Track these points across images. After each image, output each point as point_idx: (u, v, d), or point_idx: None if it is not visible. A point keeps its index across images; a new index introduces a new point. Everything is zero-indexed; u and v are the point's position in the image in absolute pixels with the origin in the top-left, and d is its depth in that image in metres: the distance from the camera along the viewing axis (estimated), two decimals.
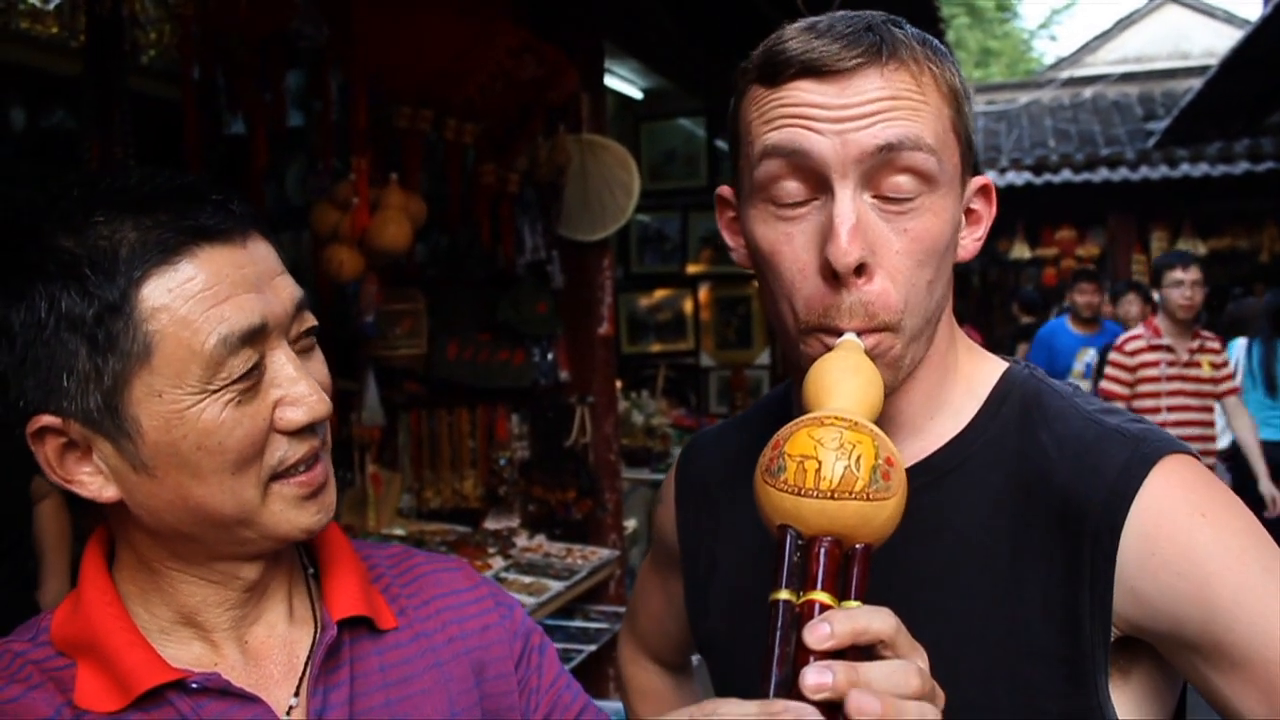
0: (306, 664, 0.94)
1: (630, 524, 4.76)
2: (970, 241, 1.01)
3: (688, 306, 7.01)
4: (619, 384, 5.02)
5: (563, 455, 4.29)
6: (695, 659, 1.36)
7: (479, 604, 1.07)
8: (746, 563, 1.14)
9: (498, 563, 3.72)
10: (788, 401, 1.15)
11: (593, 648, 3.63)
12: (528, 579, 3.64)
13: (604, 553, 4.14)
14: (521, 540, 4.07)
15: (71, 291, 0.80)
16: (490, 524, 4.17)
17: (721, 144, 7.00)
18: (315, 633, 0.97)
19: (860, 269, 0.90)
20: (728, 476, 1.19)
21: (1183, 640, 0.91)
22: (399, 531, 3.82)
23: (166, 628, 0.91)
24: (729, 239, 1.07)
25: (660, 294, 7.05)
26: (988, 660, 0.95)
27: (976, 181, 1.01)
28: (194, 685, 0.87)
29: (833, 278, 0.90)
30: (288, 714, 0.92)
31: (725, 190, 1.06)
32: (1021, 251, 12.49)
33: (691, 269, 6.96)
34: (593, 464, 4.32)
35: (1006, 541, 0.97)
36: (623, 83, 5.93)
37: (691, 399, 6.94)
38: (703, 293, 6.97)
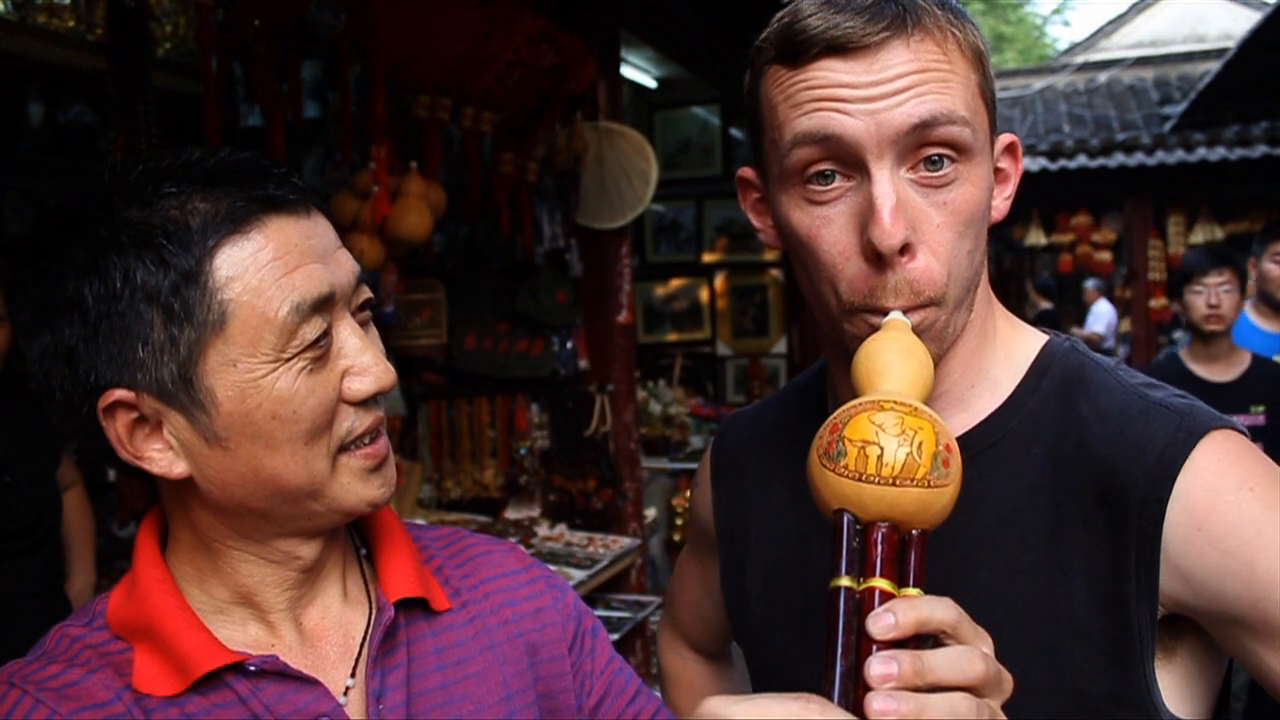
0: (362, 645, 0.95)
1: (650, 513, 4.76)
2: (1001, 201, 1.00)
3: (704, 295, 7.00)
4: (636, 374, 5.02)
5: (583, 444, 4.29)
6: (736, 647, 1.35)
7: (532, 586, 1.07)
8: (781, 545, 1.13)
9: (525, 552, 3.72)
10: (823, 382, 1.14)
11: (615, 636, 3.63)
12: (550, 568, 3.64)
13: (625, 541, 4.14)
14: (542, 530, 4.07)
15: (147, 261, 0.80)
16: (511, 514, 4.18)
17: (736, 133, 6.98)
18: (370, 614, 0.97)
19: (904, 248, 0.89)
20: (763, 457, 1.19)
21: (1231, 617, 0.90)
22: (420, 522, 3.82)
23: (223, 608, 0.91)
24: (755, 220, 1.05)
25: (676, 283, 7.04)
26: (1028, 639, 0.94)
27: (1003, 140, 1.00)
28: (252, 668, 0.87)
29: (876, 259, 0.89)
30: (345, 695, 0.92)
31: (747, 172, 1.05)
32: (1037, 238, 12.43)
33: (707, 258, 6.95)
34: (613, 453, 4.31)
35: (1047, 516, 0.96)
36: (638, 71, 5.92)
37: (709, 388, 6.94)
38: (719, 281, 6.96)
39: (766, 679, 1.14)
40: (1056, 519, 0.95)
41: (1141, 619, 0.91)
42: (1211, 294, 3.96)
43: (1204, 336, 3.99)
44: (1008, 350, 1.04)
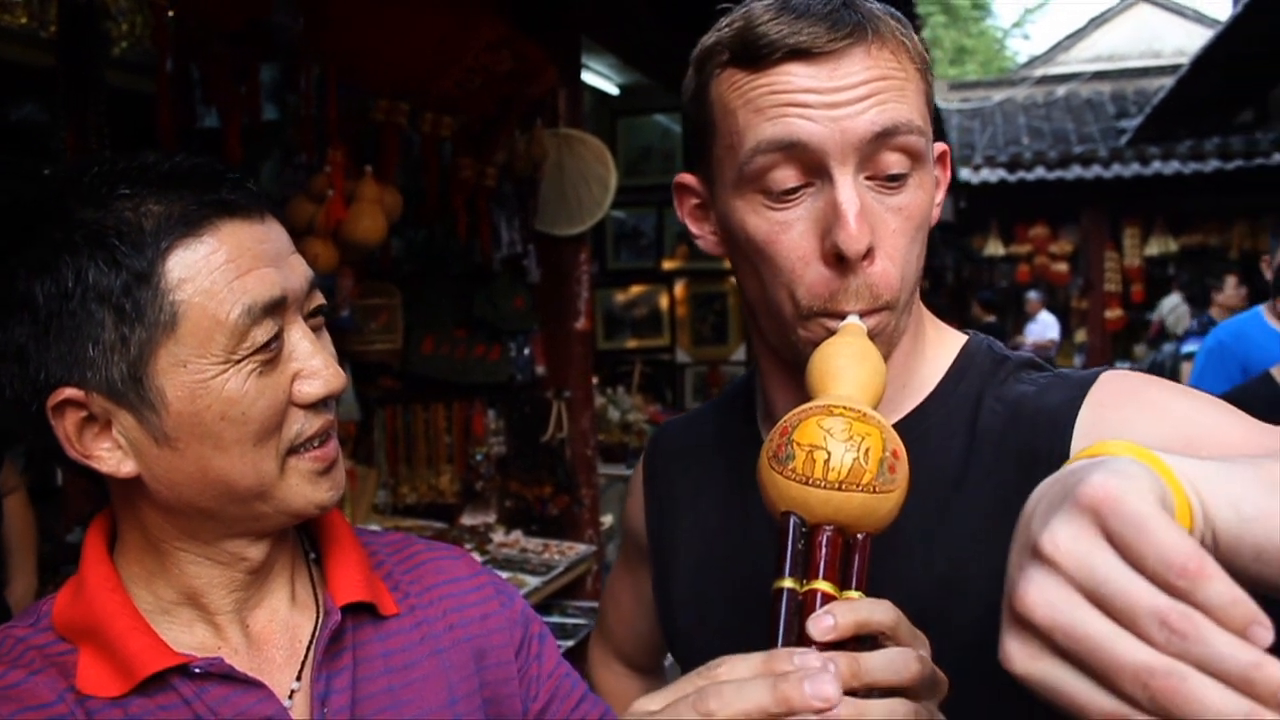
0: (309, 649, 0.95)
1: (607, 519, 4.76)
2: (934, 207, 1.02)
3: (664, 303, 7.01)
4: (594, 380, 5.01)
5: (539, 451, 4.28)
6: (669, 662, 1.35)
7: (479, 592, 1.08)
8: (708, 552, 1.14)
9: (475, 559, 3.71)
10: (752, 390, 1.15)
11: (570, 643, 3.63)
12: (505, 575, 3.63)
13: (581, 548, 4.14)
14: (498, 536, 4.06)
15: (99, 262, 0.81)
16: (467, 520, 4.16)
17: None
18: (317, 617, 0.97)
19: (866, 252, 0.90)
20: (693, 465, 1.19)
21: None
22: (374, 528, 3.80)
23: (170, 609, 0.91)
24: (693, 226, 1.05)
25: (636, 290, 7.05)
26: (956, 623, 0.95)
27: (937, 148, 1.02)
28: (197, 669, 0.87)
29: (837, 263, 0.91)
30: (290, 698, 0.92)
31: (687, 178, 1.05)
32: (995, 248, 12.58)
33: (667, 265, 6.96)
34: (569, 459, 4.31)
35: (968, 504, 0.98)
36: (599, 78, 5.92)
37: (668, 395, 6.94)
38: (679, 289, 6.97)
39: None
40: (978, 506, 0.97)
41: None
42: None
43: None
44: (935, 351, 1.07)
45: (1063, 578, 0.55)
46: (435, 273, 4.17)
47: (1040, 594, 0.55)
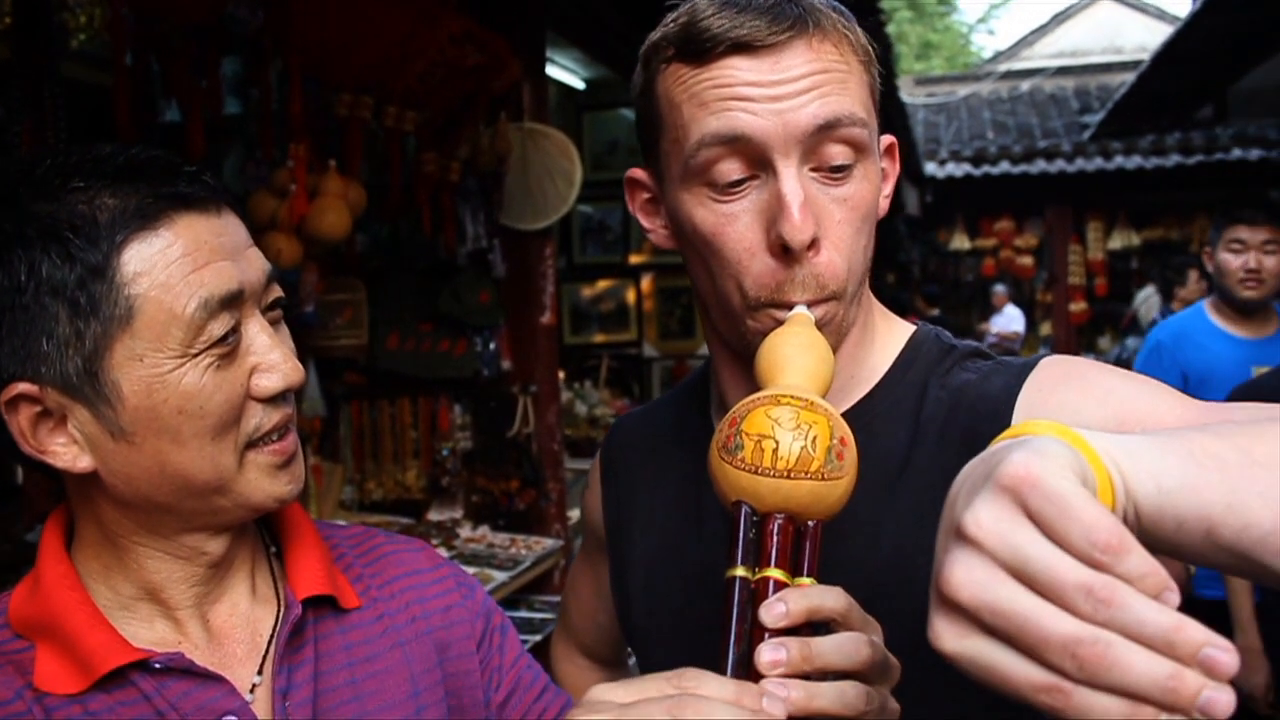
0: (270, 643, 0.95)
1: (574, 514, 4.76)
2: (882, 199, 1.03)
3: (630, 297, 7.01)
4: (562, 375, 5.01)
5: (506, 445, 4.28)
6: (631, 656, 1.36)
7: (441, 584, 1.08)
8: (663, 544, 1.15)
9: (442, 554, 3.70)
10: (707, 382, 1.16)
11: (538, 638, 3.63)
12: (472, 570, 3.63)
13: (548, 543, 4.14)
14: (465, 531, 4.05)
15: (53, 255, 0.80)
16: (434, 515, 4.15)
17: None
18: (279, 611, 0.97)
19: (810, 243, 0.91)
20: (649, 457, 1.20)
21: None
22: (340, 523, 3.78)
23: (129, 604, 0.91)
24: (644, 220, 1.07)
25: (603, 284, 7.04)
26: (903, 607, 0.96)
27: (884, 141, 1.03)
28: (157, 665, 0.87)
29: (783, 254, 0.92)
30: (251, 693, 0.92)
31: (637, 172, 1.07)
32: (961, 242, 12.68)
33: (634, 259, 6.96)
34: (536, 454, 4.31)
35: (913, 491, 0.99)
36: (565, 72, 5.91)
37: (635, 389, 6.95)
38: (645, 283, 6.97)
39: None
40: (917, 491, 0.99)
41: None
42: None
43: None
44: (884, 341, 1.08)
45: (987, 557, 0.56)
46: (400, 268, 4.15)
47: (966, 573, 0.56)
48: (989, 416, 0.96)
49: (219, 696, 0.88)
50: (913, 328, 1.11)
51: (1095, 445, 0.61)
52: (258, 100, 3.27)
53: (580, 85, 6.23)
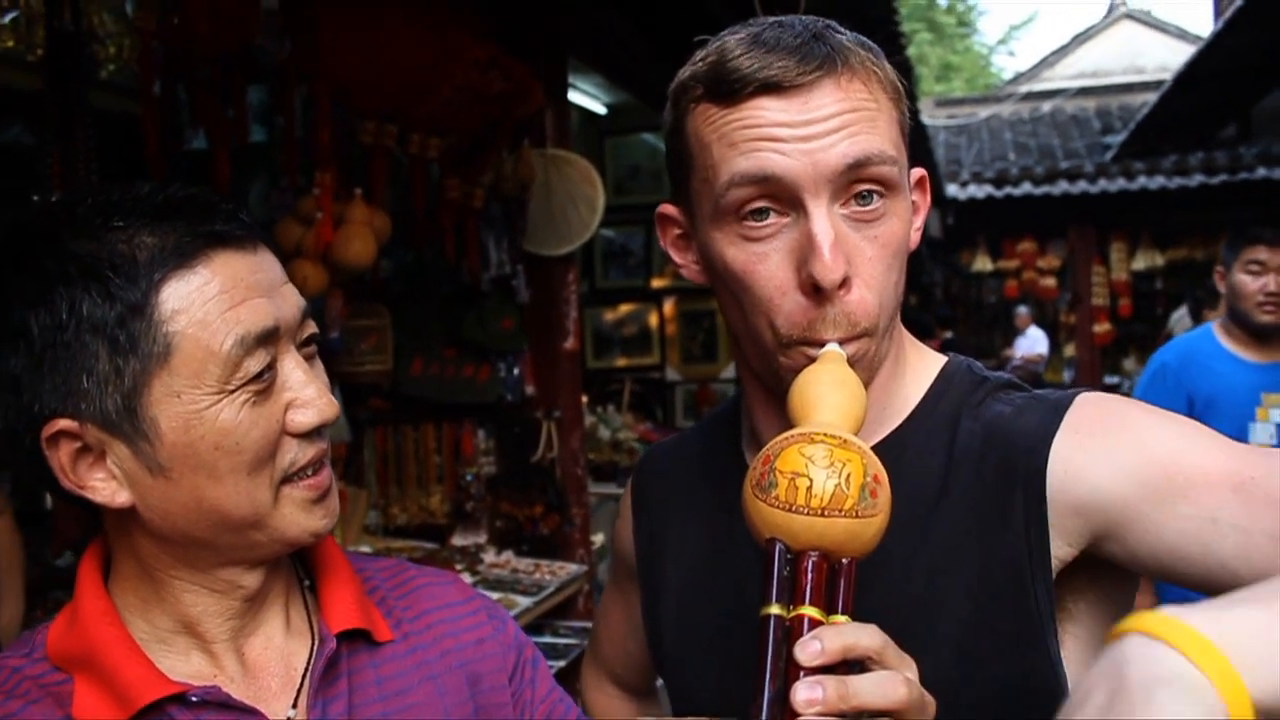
0: (304, 676, 0.95)
1: (598, 539, 4.75)
2: (913, 232, 1.03)
3: (653, 321, 7.02)
4: (584, 399, 5.01)
5: (530, 470, 4.28)
6: (661, 683, 1.35)
7: (473, 617, 1.08)
8: (694, 576, 1.15)
9: (466, 579, 3.70)
10: (738, 413, 1.16)
11: (562, 663, 3.62)
12: (496, 595, 3.62)
13: (572, 568, 4.14)
14: (489, 556, 4.05)
15: (93, 293, 0.81)
16: (457, 540, 4.15)
17: None
18: (312, 645, 0.97)
19: (841, 282, 0.91)
20: (679, 489, 1.20)
21: (1130, 492, 0.91)
22: (365, 549, 3.79)
23: (166, 638, 0.91)
24: (676, 256, 1.07)
25: (625, 309, 7.06)
26: (935, 636, 0.96)
27: (914, 173, 1.03)
28: (194, 698, 0.87)
29: (814, 292, 0.92)
30: None
31: (669, 209, 1.06)
32: (983, 264, 12.63)
33: (656, 283, 6.98)
34: (560, 479, 4.31)
35: (944, 524, 0.98)
36: (587, 98, 5.95)
37: (658, 413, 6.95)
38: (668, 307, 6.99)
39: (684, 709, 1.15)
40: (951, 524, 0.98)
41: (1040, 595, 0.94)
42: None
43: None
44: (915, 374, 1.08)
45: None
46: (424, 293, 4.17)
47: None
48: (1024, 452, 0.95)
49: None
50: (944, 359, 1.10)
51: (1229, 658, 0.60)
52: (282, 128, 3.30)
53: (602, 110, 6.27)
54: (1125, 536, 0.93)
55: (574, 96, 5.28)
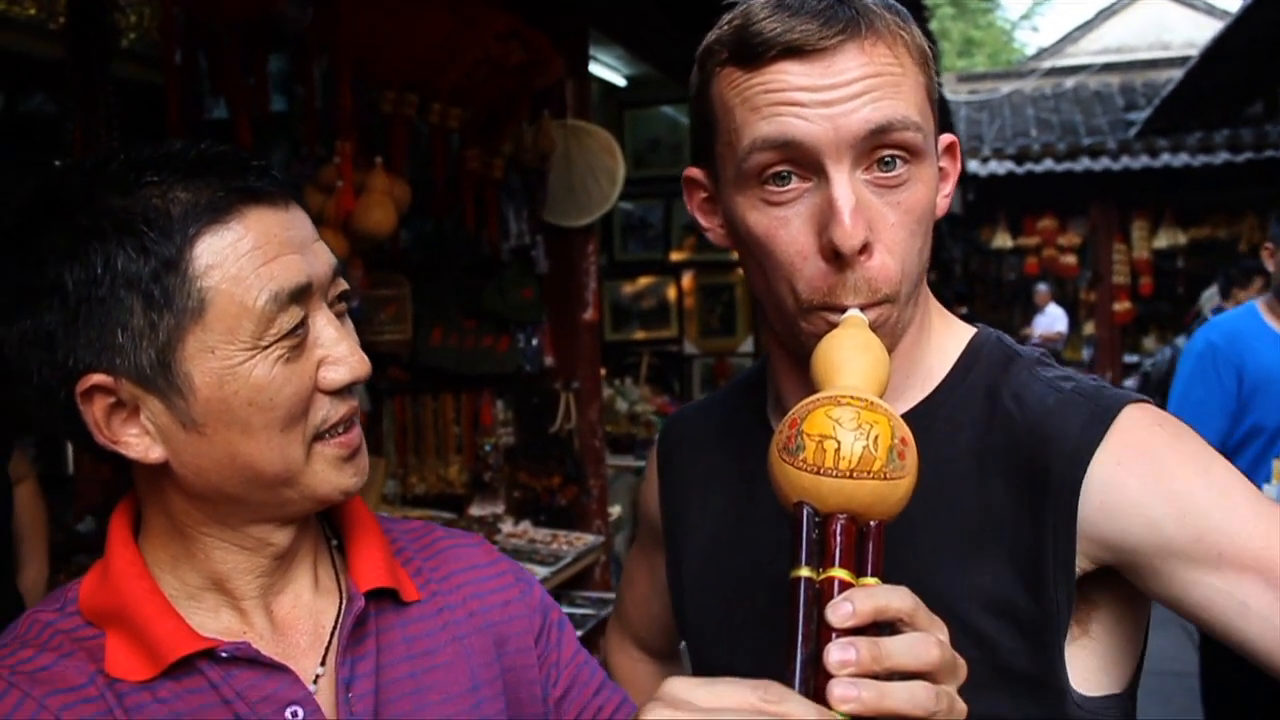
0: (332, 634, 0.96)
1: (615, 510, 4.77)
2: (941, 199, 1.02)
3: (671, 294, 7.01)
4: (602, 372, 5.02)
5: (548, 441, 4.29)
6: (684, 645, 1.36)
7: (499, 579, 1.09)
8: (715, 540, 1.15)
9: (493, 546, 3.71)
10: (763, 380, 1.16)
11: (579, 633, 3.63)
12: (517, 563, 3.64)
13: (589, 538, 4.15)
14: (507, 526, 4.07)
15: (128, 248, 0.82)
16: (475, 510, 4.17)
17: None
18: (340, 603, 0.98)
19: (862, 247, 0.91)
20: (704, 452, 1.21)
21: (1160, 546, 0.92)
22: (398, 517, 3.80)
23: (196, 594, 0.92)
24: (702, 220, 1.07)
25: (644, 281, 7.05)
26: (948, 616, 0.96)
27: (944, 140, 1.03)
28: (224, 654, 0.88)
29: (835, 258, 0.92)
30: (314, 684, 0.93)
31: (695, 172, 1.06)
32: (1004, 240, 12.56)
33: (675, 256, 6.96)
34: (578, 450, 4.32)
35: (970, 500, 0.98)
36: (607, 70, 5.92)
37: (675, 386, 6.95)
38: (686, 280, 6.97)
39: (705, 673, 1.16)
40: (980, 503, 0.98)
41: (1059, 596, 0.94)
42: None
43: None
44: (941, 342, 1.07)
45: None
46: (444, 264, 4.18)
47: None
48: (1063, 458, 0.94)
49: (283, 686, 0.89)
50: (972, 329, 1.09)
51: None
52: (303, 97, 3.31)
53: (621, 82, 6.24)
54: (1148, 581, 0.94)
55: (594, 68, 5.26)
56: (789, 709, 0.67)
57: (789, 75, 0.91)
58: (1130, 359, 12.17)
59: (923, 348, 1.05)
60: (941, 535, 0.98)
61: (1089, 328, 12.77)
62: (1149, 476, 0.93)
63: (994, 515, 0.97)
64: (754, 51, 0.92)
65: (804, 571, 0.76)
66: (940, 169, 1.02)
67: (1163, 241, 11.96)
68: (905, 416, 1.00)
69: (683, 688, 0.70)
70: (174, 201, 0.83)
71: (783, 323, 1.00)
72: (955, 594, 0.96)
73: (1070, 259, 12.51)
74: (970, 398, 1.03)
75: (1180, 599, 0.92)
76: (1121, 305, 11.94)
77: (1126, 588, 0.97)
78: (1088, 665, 0.97)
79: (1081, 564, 0.95)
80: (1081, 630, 0.98)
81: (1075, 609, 0.96)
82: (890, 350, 0.95)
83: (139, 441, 0.86)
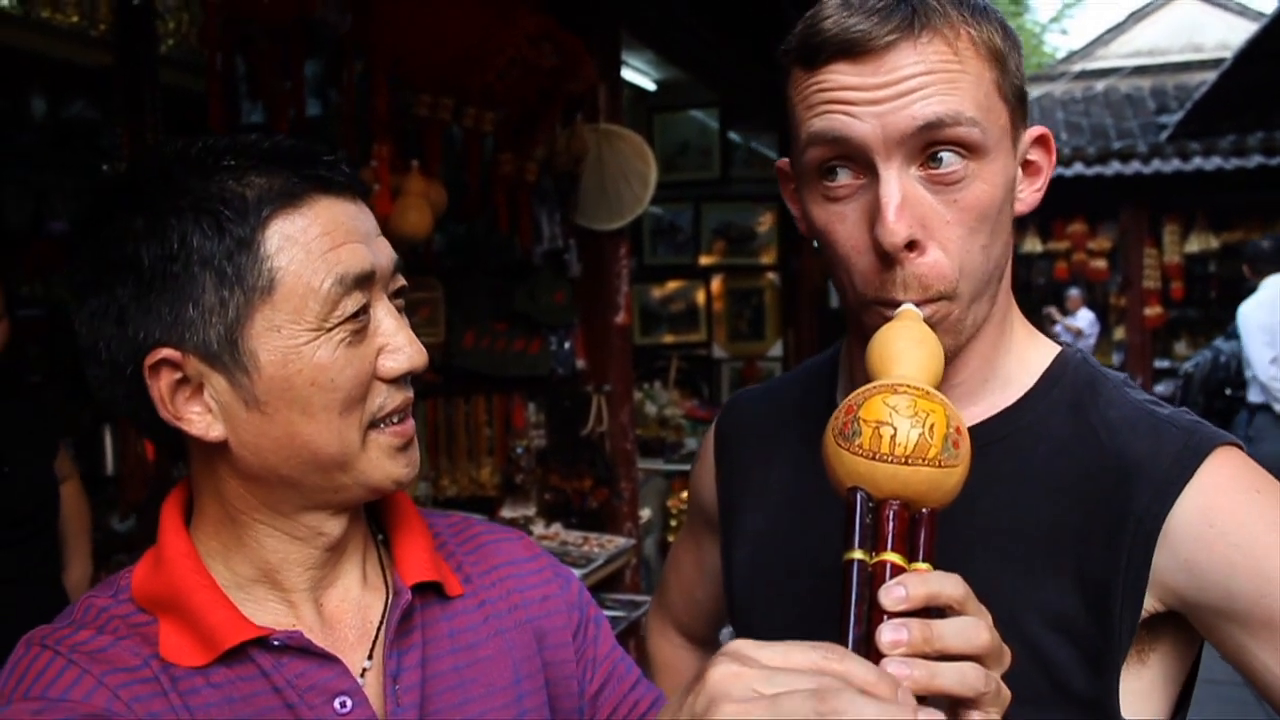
0: (379, 628, 0.97)
1: (645, 513, 4.78)
2: (1030, 193, 1.03)
3: (700, 298, 7.02)
4: (633, 374, 5.03)
5: (579, 444, 4.30)
6: (725, 632, 1.36)
7: (539, 574, 1.10)
8: (773, 522, 1.16)
9: (532, 541, 3.73)
10: (835, 366, 1.18)
11: None
12: (555, 558, 3.65)
13: (620, 541, 4.16)
14: (538, 529, 4.08)
15: (204, 227, 0.85)
16: (507, 512, 4.19)
17: (735, 136, 7.01)
18: (387, 597, 1.00)
19: (911, 244, 0.92)
20: (765, 436, 1.22)
21: (1232, 614, 0.93)
22: (439, 512, 3.81)
23: (246, 585, 0.93)
24: (793, 209, 1.10)
25: (673, 285, 7.06)
26: (1013, 628, 0.96)
27: (1033, 132, 1.03)
28: (276, 642, 0.89)
29: (885, 254, 0.93)
30: (362, 676, 0.94)
31: (784, 163, 1.10)
32: (1034, 245, 12.47)
33: (704, 260, 6.97)
34: (609, 453, 4.33)
35: (1046, 515, 0.99)
36: (637, 74, 5.94)
37: (704, 390, 6.95)
38: (715, 284, 6.98)
39: None
40: (1054, 519, 0.98)
41: (1123, 623, 0.95)
42: None
43: None
44: (1022, 354, 1.07)
45: None
46: (476, 267, 4.20)
47: None
48: (1149, 492, 0.95)
49: (333, 677, 0.90)
50: (1057, 347, 1.09)
51: None
52: (338, 101, 3.33)
53: (651, 87, 6.26)
54: (1211, 634, 0.96)
55: (624, 73, 5.27)
56: (850, 668, 0.68)
57: (840, 75, 0.93)
58: (1161, 364, 12.06)
59: (1002, 354, 1.06)
60: (1010, 545, 0.99)
61: (1119, 332, 12.66)
62: (1237, 547, 0.92)
63: (1066, 533, 0.98)
64: (811, 52, 0.95)
65: (857, 554, 0.78)
66: (1029, 162, 1.02)
67: (1194, 246, 11.85)
68: (983, 423, 1.02)
69: (748, 646, 0.71)
70: (249, 185, 0.86)
71: (849, 312, 1.03)
72: (1018, 605, 0.96)
73: (1100, 263, 12.40)
74: (1054, 413, 1.03)
75: (1235, 659, 0.94)
76: (1152, 310, 11.83)
77: (1190, 628, 0.98)
78: (1138, 691, 0.98)
79: (1152, 604, 0.95)
80: (1140, 660, 0.98)
81: (1136, 639, 0.96)
82: (958, 350, 0.97)
83: (201, 419, 0.88)
